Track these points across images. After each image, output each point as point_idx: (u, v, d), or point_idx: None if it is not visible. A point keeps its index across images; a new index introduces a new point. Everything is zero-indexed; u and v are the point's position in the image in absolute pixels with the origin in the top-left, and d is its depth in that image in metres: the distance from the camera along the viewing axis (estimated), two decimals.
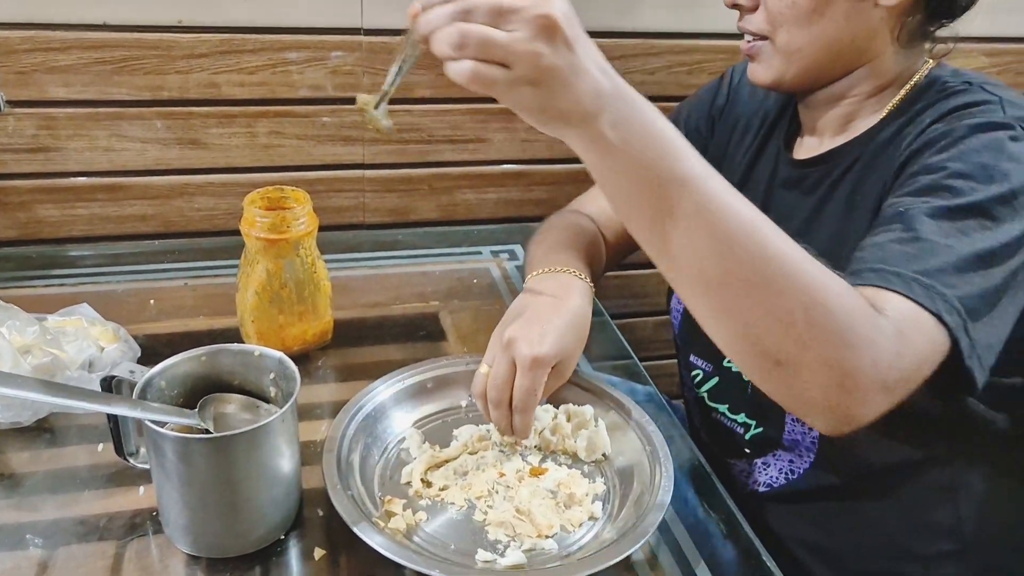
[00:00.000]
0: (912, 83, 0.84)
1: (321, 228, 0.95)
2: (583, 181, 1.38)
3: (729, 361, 0.95)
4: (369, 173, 1.33)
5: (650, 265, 1.18)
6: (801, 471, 0.90)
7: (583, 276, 0.91)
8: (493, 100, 1.46)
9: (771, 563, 0.75)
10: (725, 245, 0.58)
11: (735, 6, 0.84)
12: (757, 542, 0.78)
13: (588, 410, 0.88)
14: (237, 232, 0.93)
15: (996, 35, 1.48)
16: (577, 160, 1.51)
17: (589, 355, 1.04)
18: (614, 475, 0.84)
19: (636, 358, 1.06)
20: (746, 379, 0.92)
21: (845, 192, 0.84)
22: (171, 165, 1.24)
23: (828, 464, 0.88)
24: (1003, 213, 0.70)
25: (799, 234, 0.85)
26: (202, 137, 1.23)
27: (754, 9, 0.82)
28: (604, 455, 0.85)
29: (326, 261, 0.98)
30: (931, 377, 0.66)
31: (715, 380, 0.97)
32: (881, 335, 0.61)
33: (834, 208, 0.85)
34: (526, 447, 0.86)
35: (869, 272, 0.68)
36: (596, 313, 1.14)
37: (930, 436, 0.85)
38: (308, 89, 1.24)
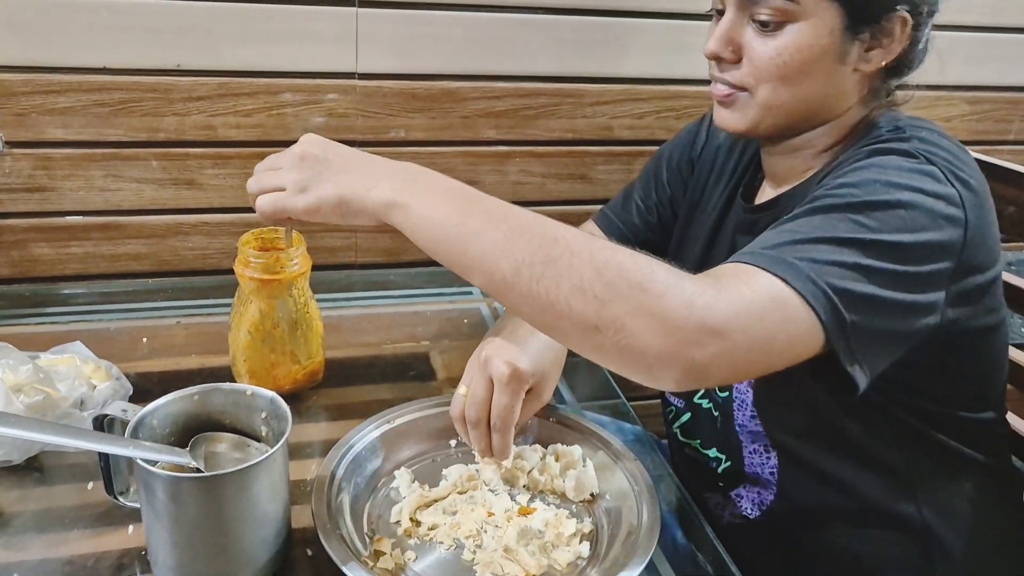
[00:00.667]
0: (855, 131, 0.86)
1: (314, 268, 0.97)
2: (573, 222, 1.39)
3: (700, 397, 0.97)
4: None
5: None
6: (767, 503, 0.92)
7: None
8: (484, 143, 1.49)
9: None
10: (510, 242, 0.66)
11: (716, 58, 0.85)
12: None
13: (576, 450, 0.89)
14: (230, 271, 0.94)
15: (976, 83, 1.52)
16: (567, 201, 1.53)
17: (577, 395, 1.05)
18: (602, 515, 0.84)
19: (624, 398, 1.07)
20: (715, 414, 0.94)
21: None
22: (166, 205, 1.26)
23: (790, 496, 0.90)
24: (881, 219, 0.70)
25: None
26: (197, 178, 1.25)
27: (737, 62, 0.84)
28: (592, 495, 0.86)
29: (318, 300, 0.99)
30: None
31: (687, 416, 0.99)
32: (687, 280, 0.64)
33: None
34: (507, 482, 0.87)
35: (728, 259, 0.71)
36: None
37: (891, 471, 0.86)
38: (303, 131, 1.25)
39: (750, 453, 0.91)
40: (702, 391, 0.96)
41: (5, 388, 0.82)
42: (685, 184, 1.07)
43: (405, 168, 0.74)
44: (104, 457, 0.74)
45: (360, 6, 1.20)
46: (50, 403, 0.85)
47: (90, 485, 0.84)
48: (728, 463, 0.95)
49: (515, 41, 1.27)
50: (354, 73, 1.24)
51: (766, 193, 0.94)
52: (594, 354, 0.67)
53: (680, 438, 1.01)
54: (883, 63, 0.81)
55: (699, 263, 0.98)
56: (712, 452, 0.96)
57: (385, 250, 1.38)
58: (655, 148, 1.41)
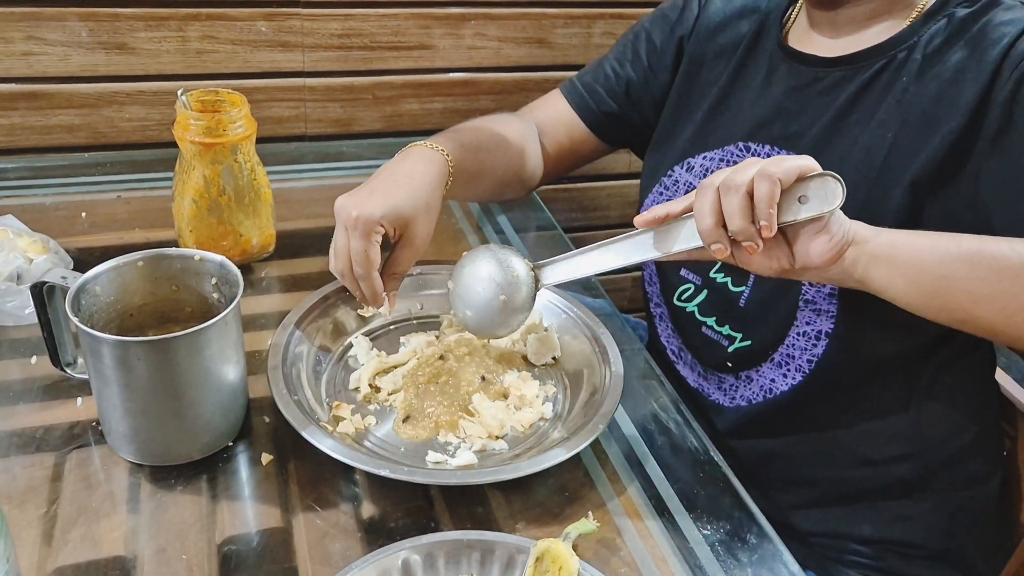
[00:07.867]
0: None
1: (262, 140, 0.92)
2: (531, 89, 1.35)
3: (715, 272, 0.91)
4: (310, 81, 1.27)
5: (600, 178, 1.13)
6: (785, 387, 0.88)
7: (439, 149, 0.88)
8: (438, 4, 1.41)
9: (720, 460, 0.77)
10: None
11: None
12: (708, 441, 0.79)
13: (537, 313, 0.88)
14: (173, 144, 0.89)
15: None
16: (525, 68, 1.47)
17: None
18: (565, 377, 0.84)
19: None
20: (736, 290, 0.89)
21: (883, 101, 0.81)
22: (97, 71, 1.17)
23: (821, 379, 0.86)
24: None
25: (821, 138, 0.82)
26: (129, 41, 1.16)
27: None
28: (554, 358, 0.85)
29: (268, 173, 0.95)
30: None
31: (704, 293, 0.94)
32: None
33: (866, 114, 0.81)
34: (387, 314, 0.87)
35: None
36: (547, 227, 1.14)
37: (917, 344, 0.85)
38: None
39: (797, 335, 0.85)
40: (718, 266, 0.91)
41: None
42: (666, 61, 1.00)
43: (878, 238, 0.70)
44: (47, 328, 0.71)
45: None
46: None
47: (34, 359, 0.81)
48: (746, 342, 0.90)
49: None
50: None
51: (820, 44, 0.86)
52: None
53: (697, 316, 0.95)
54: None
55: (748, 128, 0.90)
56: (725, 330, 0.91)
57: (336, 120, 1.32)
58: (616, 10, 1.36)
